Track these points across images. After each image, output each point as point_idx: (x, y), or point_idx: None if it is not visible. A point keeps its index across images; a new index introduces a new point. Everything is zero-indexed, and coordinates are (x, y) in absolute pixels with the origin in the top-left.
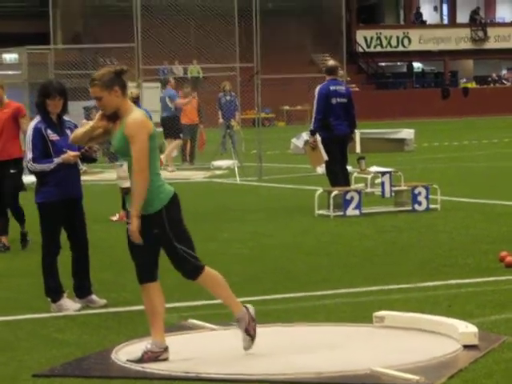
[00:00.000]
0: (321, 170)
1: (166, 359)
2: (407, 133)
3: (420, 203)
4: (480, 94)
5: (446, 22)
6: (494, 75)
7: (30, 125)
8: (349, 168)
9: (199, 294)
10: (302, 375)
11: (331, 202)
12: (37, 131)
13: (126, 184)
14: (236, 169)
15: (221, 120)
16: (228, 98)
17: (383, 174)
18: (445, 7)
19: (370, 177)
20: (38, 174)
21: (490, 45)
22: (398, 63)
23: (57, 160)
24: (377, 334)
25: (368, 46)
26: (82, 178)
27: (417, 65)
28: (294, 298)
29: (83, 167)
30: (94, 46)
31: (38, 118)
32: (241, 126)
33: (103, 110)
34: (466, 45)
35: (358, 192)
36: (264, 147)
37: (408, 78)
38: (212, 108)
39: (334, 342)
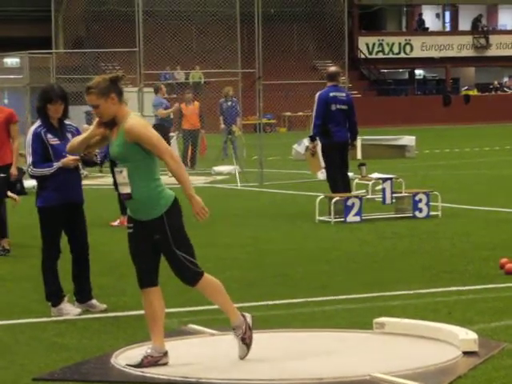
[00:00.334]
0: (322, 175)
1: (165, 364)
2: (408, 139)
3: (421, 210)
4: (481, 101)
5: (448, 29)
6: (495, 82)
7: (30, 129)
8: (350, 174)
9: (199, 299)
10: (301, 381)
11: (332, 208)
12: (36, 135)
13: (127, 190)
14: (237, 174)
15: (222, 125)
16: (229, 103)
17: (384, 180)
18: (447, 14)
19: (370, 183)
20: (39, 179)
21: (492, 52)
22: (400, 70)
23: (56, 164)
24: (377, 341)
25: (370, 53)
26: (83, 182)
27: (418, 72)
28: (294, 304)
29: (84, 172)
30: (95, 51)
31: (38, 123)
32: (242, 131)
33: (100, 117)
34: (468, 52)
35: (359, 198)
36: (265, 153)
37: (410, 85)
38: (213, 113)
39: (334, 348)
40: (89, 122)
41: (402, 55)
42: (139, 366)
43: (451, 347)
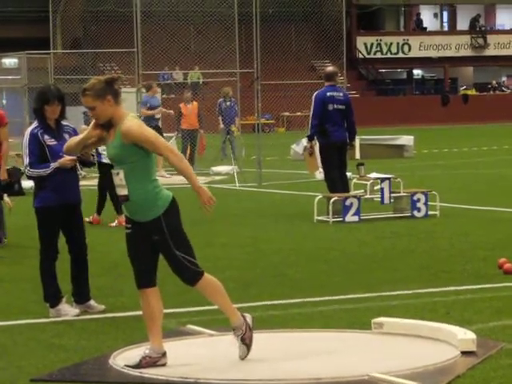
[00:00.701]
0: (320, 175)
1: (164, 364)
2: (407, 139)
3: (419, 209)
4: (480, 100)
5: (446, 28)
6: (493, 82)
7: (27, 130)
8: (348, 174)
9: (198, 300)
10: (299, 381)
11: (330, 207)
12: (33, 136)
13: (124, 192)
14: (235, 174)
15: (221, 125)
16: (228, 103)
17: (382, 180)
18: (445, 14)
19: (369, 183)
20: (36, 179)
21: (490, 52)
22: (398, 70)
23: (53, 164)
24: (375, 341)
25: (368, 53)
26: (81, 182)
27: (417, 71)
28: (292, 304)
29: (82, 172)
30: (93, 51)
31: (35, 123)
32: (240, 131)
33: (97, 119)
34: (466, 52)
35: (358, 198)
36: (264, 153)
37: (408, 85)
38: (212, 113)
39: (332, 348)
40: (87, 123)
41: (400, 55)
42: (137, 366)
43: (449, 347)
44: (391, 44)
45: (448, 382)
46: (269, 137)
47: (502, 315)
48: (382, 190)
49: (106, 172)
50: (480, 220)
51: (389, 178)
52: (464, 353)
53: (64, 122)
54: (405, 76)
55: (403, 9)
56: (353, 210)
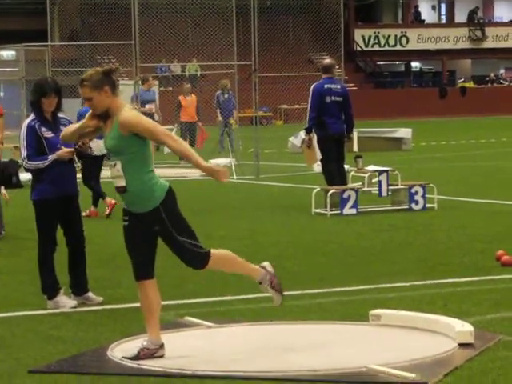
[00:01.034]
0: (318, 168)
1: (161, 356)
2: (405, 132)
3: (417, 202)
4: (478, 93)
5: (444, 21)
6: (491, 75)
7: (24, 122)
8: (346, 167)
9: (196, 291)
10: (297, 373)
11: (328, 200)
12: (30, 129)
13: (121, 183)
14: (233, 167)
15: (220, 118)
16: (226, 96)
17: (380, 172)
18: (443, 6)
19: (367, 175)
20: (33, 172)
21: (488, 44)
22: (396, 62)
23: (51, 157)
24: (373, 332)
25: (366, 45)
26: (79, 175)
27: (415, 64)
28: (290, 296)
29: (80, 165)
30: (91, 44)
31: (31, 116)
32: (238, 124)
33: (94, 109)
34: (464, 44)
35: (355, 191)
36: (261, 146)
37: (406, 77)
38: (209, 106)
39: (330, 340)
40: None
41: (398, 47)
42: (135, 358)
43: (447, 339)
44: (389, 36)
45: (446, 373)
46: (266, 129)
47: (499, 307)
48: (379, 182)
49: (89, 164)
50: (478, 212)
51: (387, 171)
52: (462, 345)
53: (60, 115)
54: (403, 68)
55: (401, 1)
56: (350, 203)
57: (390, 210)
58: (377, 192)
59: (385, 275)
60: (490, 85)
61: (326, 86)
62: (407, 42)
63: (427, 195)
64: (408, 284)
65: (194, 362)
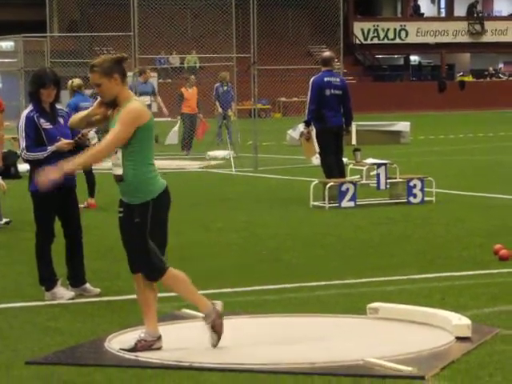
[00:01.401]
0: (316, 161)
1: (159, 348)
2: (403, 125)
3: (415, 195)
4: (476, 87)
5: (443, 14)
6: (490, 69)
7: (23, 113)
8: (344, 160)
9: (193, 284)
10: (295, 365)
11: (326, 193)
12: (29, 120)
13: (119, 171)
14: (232, 159)
15: (220, 110)
16: (225, 88)
17: (379, 165)
18: (442, 0)
19: (365, 169)
20: (32, 163)
21: (487, 38)
22: (395, 56)
23: (50, 148)
24: (370, 326)
25: (365, 39)
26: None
27: (414, 57)
28: (288, 289)
29: None
30: (90, 35)
31: (30, 107)
32: (237, 116)
33: (102, 96)
34: (463, 38)
35: (354, 184)
36: (260, 138)
37: (405, 71)
38: (208, 98)
39: (327, 333)
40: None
41: (398, 41)
42: (133, 350)
43: (444, 332)
44: (388, 30)
45: (443, 367)
46: (265, 122)
47: (497, 301)
48: (378, 175)
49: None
50: (476, 206)
51: (385, 164)
52: (459, 338)
53: (57, 106)
54: (402, 62)
55: None
56: (349, 196)
57: (389, 203)
58: (375, 185)
59: (383, 268)
60: (488, 79)
61: (325, 78)
62: (406, 35)
63: (425, 189)
64: (406, 277)
65: (191, 353)
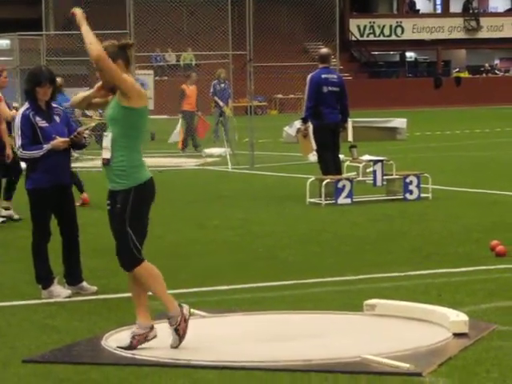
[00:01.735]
0: (313, 158)
1: (154, 337)
2: (399, 122)
3: (411, 192)
4: (472, 83)
5: (439, 11)
6: (486, 65)
7: (19, 112)
8: (341, 156)
9: (188, 281)
10: (291, 363)
11: (323, 190)
12: (25, 118)
13: (107, 155)
14: (228, 156)
15: (221, 103)
16: (222, 85)
17: (375, 162)
18: None
19: (361, 165)
20: (28, 161)
21: (483, 34)
22: (391, 52)
23: (46, 146)
24: (367, 322)
25: (361, 35)
26: (74, 164)
27: (409, 54)
28: (284, 286)
29: (75, 154)
30: None
31: (26, 105)
32: (233, 113)
33: (103, 82)
34: (459, 34)
35: (350, 180)
36: (256, 135)
37: (401, 67)
38: (205, 95)
39: (324, 330)
40: None
41: (393, 37)
42: (130, 348)
43: (442, 329)
44: (384, 26)
45: (440, 363)
46: (261, 119)
47: (494, 297)
48: (374, 172)
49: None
50: (472, 202)
51: (381, 161)
52: (456, 335)
53: (53, 104)
54: (397, 58)
55: None
56: (345, 193)
57: (385, 199)
58: (371, 182)
59: (379, 265)
60: (484, 75)
61: (323, 75)
62: (402, 31)
63: (422, 185)
64: (402, 274)
65: (188, 351)
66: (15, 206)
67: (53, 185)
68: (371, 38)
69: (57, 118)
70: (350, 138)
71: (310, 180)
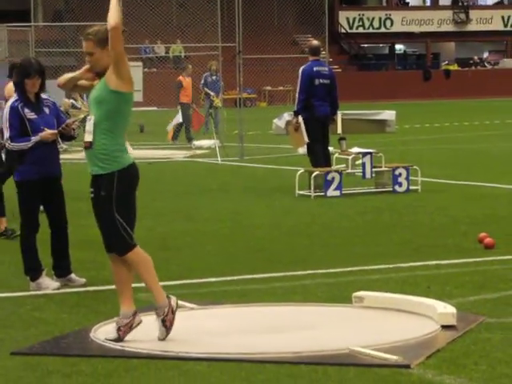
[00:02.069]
0: (302, 150)
1: (139, 323)
2: (389, 114)
3: (400, 184)
4: (462, 76)
5: (428, 3)
6: (475, 58)
7: (7, 103)
8: (330, 149)
9: (178, 273)
10: (280, 355)
11: (312, 182)
12: (13, 110)
13: (89, 138)
14: (217, 149)
15: (212, 93)
16: (214, 77)
17: (364, 154)
18: None
19: (350, 158)
20: (17, 153)
21: (472, 27)
22: (380, 45)
23: (34, 138)
24: (356, 315)
25: (350, 27)
26: (63, 156)
27: (399, 46)
28: (273, 278)
29: (64, 146)
30: (75, 24)
31: (15, 97)
32: (222, 105)
33: (92, 66)
34: (448, 27)
35: (339, 173)
36: (245, 127)
37: (390, 60)
38: (194, 87)
39: (313, 322)
40: (68, 97)
41: (383, 30)
42: (118, 340)
43: (430, 321)
44: (373, 19)
45: (428, 355)
46: (251, 111)
47: (482, 289)
48: (363, 164)
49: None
50: (461, 195)
51: (370, 153)
52: (444, 327)
53: (44, 96)
54: (387, 51)
55: None
56: (334, 185)
57: (374, 192)
58: (361, 174)
59: (368, 257)
60: (473, 68)
61: (314, 68)
62: (391, 24)
63: (411, 177)
64: (391, 266)
65: (177, 343)
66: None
67: (41, 177)
68: (360, 30)
69: (46, 110)
70: (339, 131)
71: (300, 172)
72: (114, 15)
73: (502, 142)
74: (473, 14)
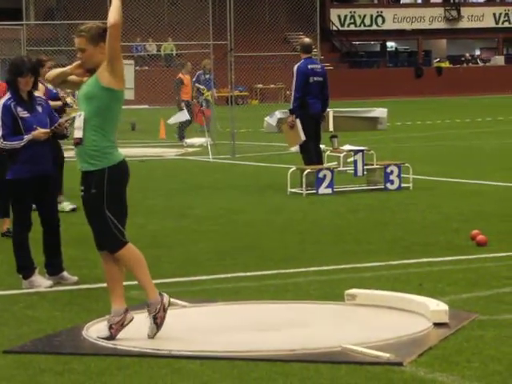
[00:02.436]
0: (294, 148)
1: (131, 320)
2: (380, 112)
3: (392, 182)
4: (453, 73)
5: (419, 1)
6: (467, 55)
7: (0, 102)
8: (322, 146)
9: (171, 271)
10: (272, 352)
11: (304, 180)
12: (6, 108)
13: (79, 134)
14: (209, 146)
15: (205, 89)
16: (207, 76)
17: (356, 152)
18: None
19: (342, 155)
20: (9, 151)
21: (464, 24)
22: (372, 42)
23: (27, 137)
24: (348, 312)
25: (342, 25)
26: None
27: (390, 44)
28: (266, 276)
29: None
30: (67, 23)
31: (7, 95)
32: (214, 103)
33: (84, 62)
34: (440, 24)
35: (331, 170)
36: (237, 125)
37: (381, 57)
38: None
39: (305, 320)
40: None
41: (374, 27)
42: (110, 338)
43: (422, 318)
44: (365, 16)
45: (420, 353)
46: (242, 109)
47: (474, 287)
48: (355, 162)
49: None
50: (453, 192)
51: (362, 151)
52: (437, 324)
53: (36, 94)
54: (378, 48)
55: None
56: (326, 183)
57: (366, 189)
58: (352, 172)
59: (360, 255)
60: (465, 65)
61: (309, 66)
62: (383, 21)
63: (402, 175)
64: (383, 263)
65: (169, 341)
66: None
67: (34, 175)
68: (352, 27)
69: (39, 108)
70: (331, 128)
71: (291, 170)
72: (114, 13)
73: (493, 139)
74: (464, 11)
